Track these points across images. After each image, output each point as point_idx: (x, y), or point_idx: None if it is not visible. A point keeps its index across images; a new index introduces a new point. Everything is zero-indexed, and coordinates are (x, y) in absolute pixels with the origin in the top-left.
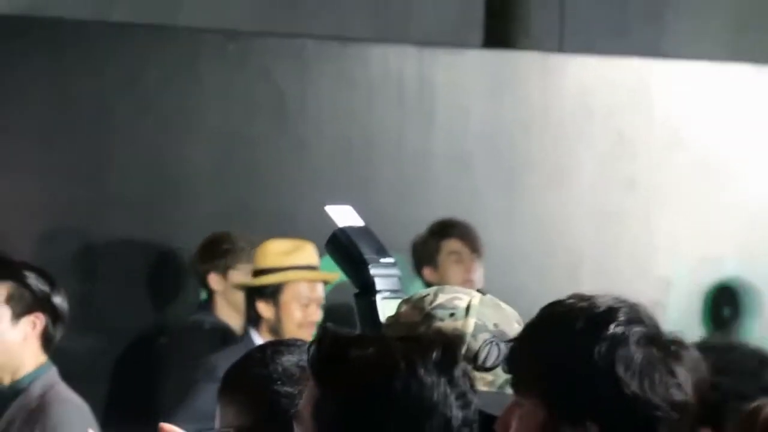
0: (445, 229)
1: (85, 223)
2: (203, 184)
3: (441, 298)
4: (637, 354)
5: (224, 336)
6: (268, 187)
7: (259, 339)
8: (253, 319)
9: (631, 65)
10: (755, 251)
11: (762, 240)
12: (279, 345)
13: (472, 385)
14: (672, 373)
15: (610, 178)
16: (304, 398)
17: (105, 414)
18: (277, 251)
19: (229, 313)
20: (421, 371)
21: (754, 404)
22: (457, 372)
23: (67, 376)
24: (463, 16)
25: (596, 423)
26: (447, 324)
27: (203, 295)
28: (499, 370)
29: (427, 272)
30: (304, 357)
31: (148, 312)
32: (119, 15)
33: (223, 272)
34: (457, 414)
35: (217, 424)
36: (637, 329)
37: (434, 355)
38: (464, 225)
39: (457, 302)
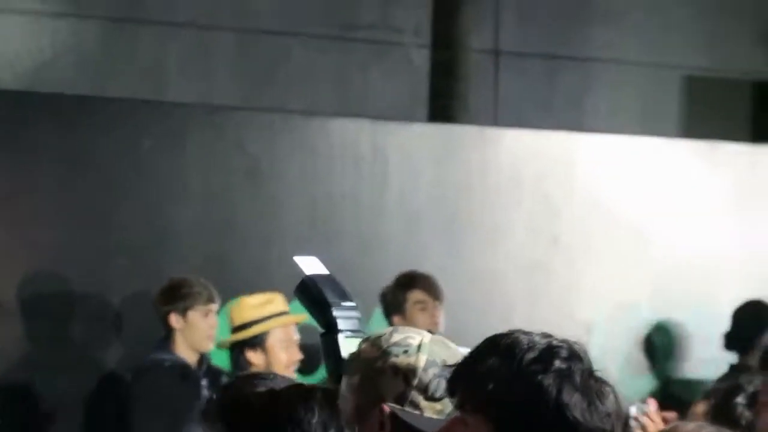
0: (410, 281)
1: (88, 269)
2: (188, 237)
3: (396, 337)
4: (580, 385)
5: (183, 372)
6: (243, 240)
7: None
8: (243, 368)
9: (556, 138)
10: (665, 298)
11: (670, 288)
12: (254, 378)
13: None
14: (603, 405)
15: (538, 235)
16: None
17: None
18: (253, 305)
19: (185, 350)
20: (304, 413)
21: (671, 425)
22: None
23: (45, 412)
24: (411, 95)
25: None
26: (401, 359)
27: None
28: (446, 401)
29: (396, 320)
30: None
31: (130, 351)
32: (114, 91)
33: (183, 313)
34: None
35: None
36: (579, 365)
37: (318, 396)
38: (426, 276)
39: (410, 340)
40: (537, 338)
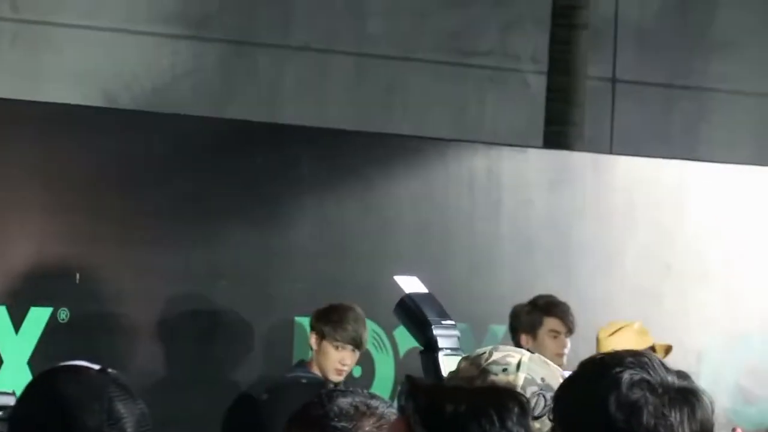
0: (550, 307)
1: (195, 290)
2: (300, 258)
3: (495, 356)
4: (630, 395)
5: (320, 389)
6: (355, 262)
7: None
8: None
9: (671, 166)
10: None
11: None
12: (333, 391)
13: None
14: (663, 415)
15: (650, 262)
16: None
17: None
18: None
19: (320, 372)
20: (509, 423)
21: None
22: (529, 420)
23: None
24: (527, 121)
25: None
26: (500, 378)
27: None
28: (545, 419)
29: (524, 339)
30: (357, 399)
31: (247, 370)
32: (231, 113)
33: (322, 337)
34: None
35: None
36: (634, 374)
37: (515, 408)
38: (565, 306)
39: (509, 359)
40: (628, 361)
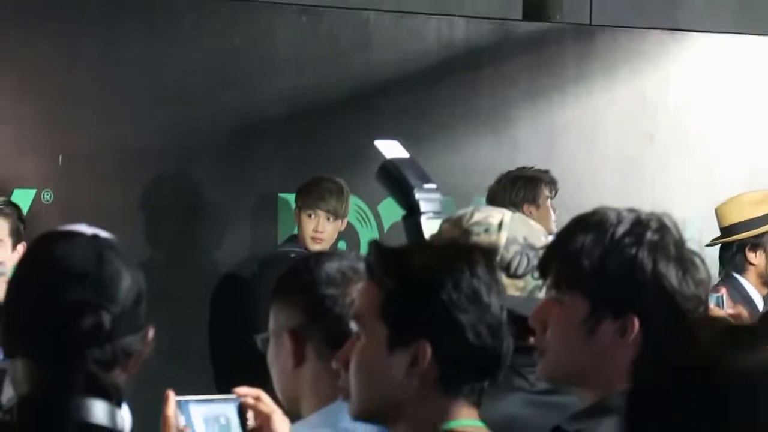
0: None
1: (176, 169)
2: (279, 138)
3: (477, 217)
4: (674, 255)
5: None
6: (334, 139)
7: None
8: (741, 269)
9: (651, 36)
10: None
11: (763, 185)
12: (320, 255)
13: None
14: (697, 273)
15: (632, 133)
16: (363, 302)
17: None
18: (752, 201)
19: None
20: (479, 270)
21: None
22: (498, 274)
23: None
24: None
25: (636, 314)
26: (482, 238)
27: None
28: (528, 278)
29: (525, 209)
30: (344, 263)
31: (230, 249)
32: None
33: (299, 209)
34: (497, 307)
35: (270, 326)
36: (670, 236)
37: (481, 259)
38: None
39: (491, 219)
40: (625, 213)
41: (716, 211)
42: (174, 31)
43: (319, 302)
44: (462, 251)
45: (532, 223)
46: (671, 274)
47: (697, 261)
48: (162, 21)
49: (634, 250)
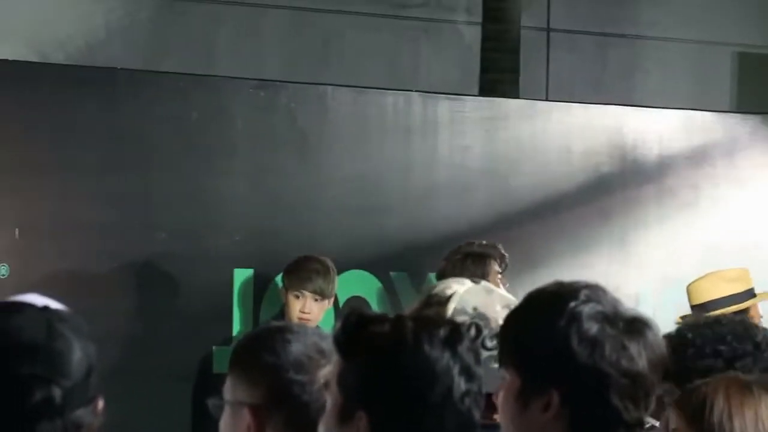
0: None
1: (133, 243)
2: (235, 211)
3: (438, 288)
4: (591, 329)
5: None
6: (292, 213)
7: None
8: None
9: (607, 111)
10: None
11: (719, 263)
12: (286, 332)
13: (478, 360)
14: (623, 347)
15: (588, 208)
16: (333, 370)
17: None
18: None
19: None
20: (427, 347)
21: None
22: (461, 348)
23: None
24: (462, 71)
25: (558, 390)
26: (433, 309)
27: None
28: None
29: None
30: (309, 344)
31: (186, 323)
32: (168, 66)
33: (286, 289)
34: (459, 383)
35: (227, 394)
36: (591, 307)
37: (441, 332)
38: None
39: (447, 290)
40: (566, 285)
41: (688, 288)
42: (133, 103)
43: (284, 388)
44: (424, 322)
45: (501, 293)
46: (583, 350)
47: (648, 333)
48: (121, 93)
49: (552, 327)
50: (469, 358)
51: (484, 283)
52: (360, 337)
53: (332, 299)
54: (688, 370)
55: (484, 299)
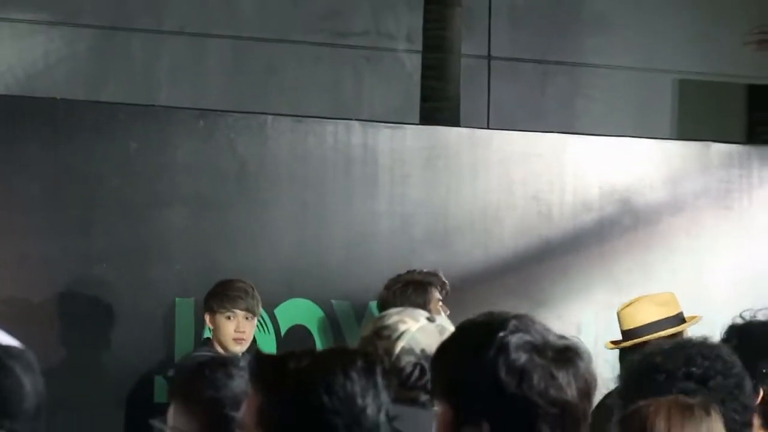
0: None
1: (74, 273)
2: (176, 241)
3: (391, 320)
4: (519, 359)
5: None
6: (232, 244)
7: None
8: None
9: (547, 140)
10: None
11: (661, 289)
12: (227, 367)
13: (389, 386)
14: (552, 376)
15: (529, 238)
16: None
17: None
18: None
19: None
20: (354, 375)
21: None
22: (377, 378)
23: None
24: (403, 100)
25: (488, 421)
26: (382, 343)
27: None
28: (420, 391)
29: None
30: (246, 377)
31: (128, 353)
32: (106, 98)
33: (213, 313)
34: (373, 410)
35: (169, 421)
36: (520, 337)
37: (358, 363)
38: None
39: (399, 326)
40: (495, 316)
41: (619, 313)
42: (73, 134)
43: (223, 424)
44: (340, 356)
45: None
46: (511, 380)
47: (578, 363)
48: (61, 124)
49: (487, 358)
50: (384, 387)
51: (439, 321)
52: (280, 374)
53: (257, 318)
54: (662, 395)
55: (435, 340)
